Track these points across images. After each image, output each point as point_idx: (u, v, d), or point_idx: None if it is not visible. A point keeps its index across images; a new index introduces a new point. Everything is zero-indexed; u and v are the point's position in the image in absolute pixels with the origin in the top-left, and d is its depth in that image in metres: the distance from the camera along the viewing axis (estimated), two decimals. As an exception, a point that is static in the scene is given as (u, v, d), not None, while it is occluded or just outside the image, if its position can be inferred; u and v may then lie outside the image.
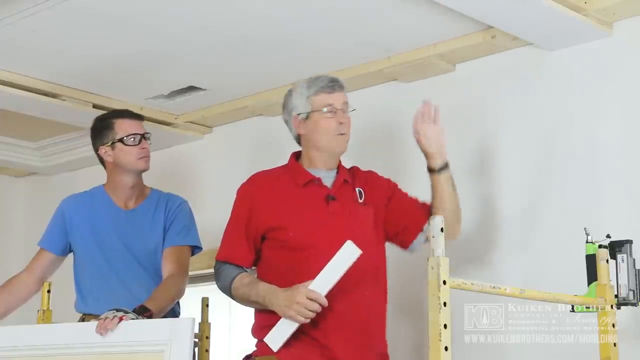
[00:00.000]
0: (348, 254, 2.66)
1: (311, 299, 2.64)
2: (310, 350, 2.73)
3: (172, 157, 4.55)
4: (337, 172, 2.94)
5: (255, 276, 2.90)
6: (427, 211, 2.93)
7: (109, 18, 3.25)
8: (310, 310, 2.64)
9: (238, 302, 2.87)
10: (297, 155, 2.99)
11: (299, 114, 2.91)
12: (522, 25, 3.17)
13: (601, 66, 3.21)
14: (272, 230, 2.83)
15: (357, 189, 2.94)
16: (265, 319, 2.78)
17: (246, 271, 2.86)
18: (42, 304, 3.54)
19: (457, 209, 2.95)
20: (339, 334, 2.74)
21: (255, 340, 2.88)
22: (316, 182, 2.89)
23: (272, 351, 2.72)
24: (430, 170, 2.93)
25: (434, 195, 2.93)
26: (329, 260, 2.67)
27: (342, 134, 2.88)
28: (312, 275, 2.69)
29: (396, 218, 2.94)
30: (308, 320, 2.66)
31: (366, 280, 2.81)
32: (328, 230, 2.80)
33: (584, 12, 3.07)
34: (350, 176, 2.96)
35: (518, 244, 3.29)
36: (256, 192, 2.89)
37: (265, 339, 2.71)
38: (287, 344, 2.71)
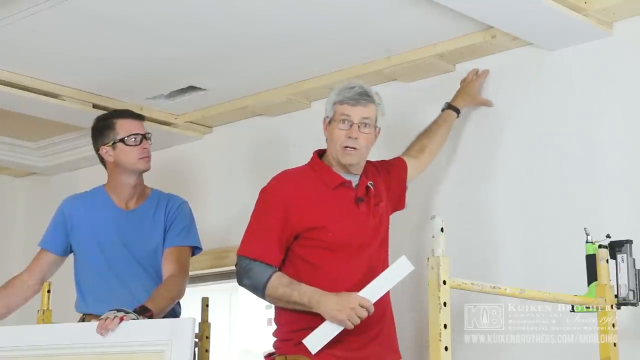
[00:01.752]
0: (401, 268, 2.73)
1: (362, 306, 2.70)
2: (333, 346, 2.75)
3: (172, 157, 4.55)
4: (360, 175, 3.00)
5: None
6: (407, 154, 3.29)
7: (109, 18, 3.25)
8: (358, 317, 2.70)
9: (271, 301, 2.87)
10: (319, 154, 3.03)
11: (326, 117, 2.99)
12: (522, 25, 3.17)
13: (601, 66, 3.21)
14: (310, 230, 2.86)
15: (369, 182, 2.99)
16: (302, 322, 2.80)
17: (279, 271, 2.85)
18: (42, 304, 3.53)
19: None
20: (359, 333, 2.77)
21: (275, 340, 2.91)
22: (346, 184, 2.96)
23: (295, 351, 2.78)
24: (453, 108, 3.38)
25: (442, 125, 3.35)
26: (358, 262, 2.83)
27: (348, 148, 2.92)
28: (346, 275, 2.80)
29: (393, 191, 3.12)
30: (352, 327, 2.70)
31: None
32: (361, 231, 2.89)
33: (584, 12, 3.07)
34: (364, 173, 3.02)
35: (518, 244, 3.29)
36: (290, 192, 2.91)
37: (305, 341, 2.72)
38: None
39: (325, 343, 2.71)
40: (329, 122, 2.97)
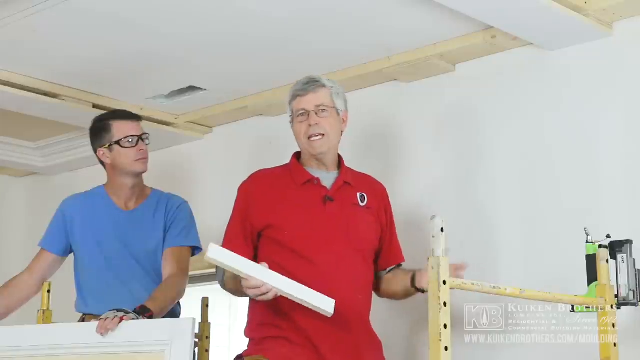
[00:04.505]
0: (322, 303, 2.65)
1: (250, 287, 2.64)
2: (299, 352, 2.75)
3: (172, 157, 4.55)
4: (338, 174, 2.95)
5: None
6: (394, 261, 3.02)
7: (109, 18, 3.25)
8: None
9: (234, 294, 2.88)
10: (297, 155, 3.00)
11: (290, 119, 2.97)
12: (522, 25, 3.17)
13: (601, 66, 3.21)
14: (268, 229, 2.85)
15: (358, 193, 2.94)
16: (261, 316, 2.83)
17: None
18: (42, 304, 3.54)
19: None
20: (328, 337, 2.76)
21: (248, 340, 2.93)
22: (315, 182, 2.91)
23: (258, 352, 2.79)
24: (415, 287, 2.86)
25: (399, 294, 2.96)
26: (322, 263, 2.78)
27: (314, 137, 2.87)
28: (310, 276, 2.74)
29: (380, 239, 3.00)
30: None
31: (358, 284, 2.86)
32: (322, 231, 2.83)
33: (584, 12, 3.07)
34: (352, 178, 2.97)
35: (518, 244, 3.29)
36: (254, 189, 2.92)
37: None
38: (278, 345, 2.76)
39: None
40: (291, 122, 2.95)
